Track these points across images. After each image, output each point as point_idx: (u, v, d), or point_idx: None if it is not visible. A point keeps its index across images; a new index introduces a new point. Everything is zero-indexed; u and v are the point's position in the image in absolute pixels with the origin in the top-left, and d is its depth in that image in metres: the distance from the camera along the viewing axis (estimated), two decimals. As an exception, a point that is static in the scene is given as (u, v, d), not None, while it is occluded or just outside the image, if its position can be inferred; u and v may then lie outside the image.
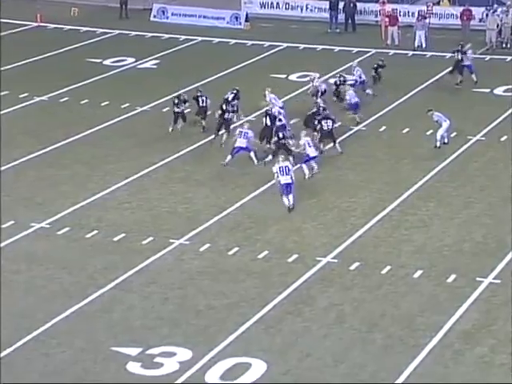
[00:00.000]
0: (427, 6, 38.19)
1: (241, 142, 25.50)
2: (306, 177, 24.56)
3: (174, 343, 17.69)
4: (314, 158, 24.74)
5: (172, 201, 23.89)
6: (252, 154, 25.61)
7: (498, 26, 36.09)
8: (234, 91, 28.25)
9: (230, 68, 33.50)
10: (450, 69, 31.88)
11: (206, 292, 19.55)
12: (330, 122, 26.14)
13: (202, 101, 27.97)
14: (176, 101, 27.83)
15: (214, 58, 35.40)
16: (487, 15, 37.13)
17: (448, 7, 38.99)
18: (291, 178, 22.88)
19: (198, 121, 28.15)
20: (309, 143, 24.73)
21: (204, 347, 17.54)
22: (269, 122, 26.37)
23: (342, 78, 29.98)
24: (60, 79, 32.89)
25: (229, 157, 25.54)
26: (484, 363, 17.02)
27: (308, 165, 24.74)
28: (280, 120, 26.33)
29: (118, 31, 39.50)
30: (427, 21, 36.57)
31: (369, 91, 30.09)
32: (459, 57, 31.50)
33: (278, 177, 22.94)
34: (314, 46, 36.95)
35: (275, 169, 23.08)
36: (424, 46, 35.65)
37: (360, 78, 30.31)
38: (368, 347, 17.53)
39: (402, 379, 16.66)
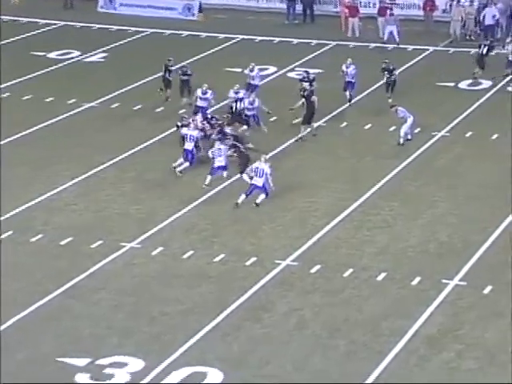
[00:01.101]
0: (390, -4, 38.49)
1: (188, 145, 25.19)
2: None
3: (125, 353, 17.64)
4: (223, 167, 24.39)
5: (122, 202, 23.83)
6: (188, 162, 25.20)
7: (462, 17, 36.52)
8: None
9: (183, 61, 33.42)
10: (478, 63, 31.63)
11: (159, 298, 19.53)
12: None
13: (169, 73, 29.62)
14: (180, 124, 26.25)
15: (166, 51, 35.25)
16: (451, 6, 37.58)
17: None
18: (263, 181, 23.04)
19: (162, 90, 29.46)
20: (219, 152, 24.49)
21: (157, 356, 17.52)
22: (239, 107, 27.17)
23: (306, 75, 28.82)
24: (1, 73, 32.59)
25: (180, 160, 25.32)
26: (450, 369, 17.22)
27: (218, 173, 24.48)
28: (248, 110, 27.02)
29: (62, 22, 39.27)
30: (395, 13, 36.59)
31: (348, 93, 29.36)
32: (483, 51, 31.57)
33: (250, 175, 23.15)
34: (271, 39, 37.08)
35: (253, 166, 23.31)
36: (397, 40, 35.67)
37: (352, 77, 29.15)
38: (330, 353, 17.65)
39: (365, 387, 16.83)
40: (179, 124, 26.21)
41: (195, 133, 25.41)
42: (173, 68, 29.94)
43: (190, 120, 26.13)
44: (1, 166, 25.36)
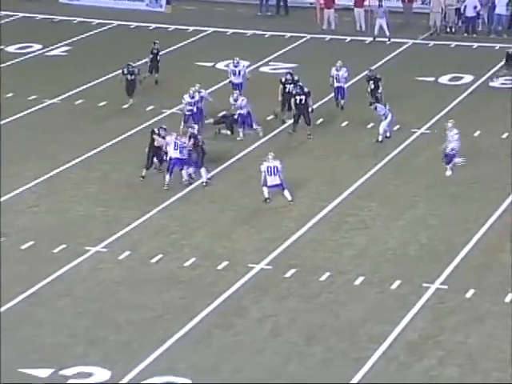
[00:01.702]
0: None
1: (175, 153, 24.44)
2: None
3: (90, 362, 17.62)
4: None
5: (87, 203, 23.79)
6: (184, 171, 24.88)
7: (442, 8, 36.75)
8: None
9: (150, 55, 33.42)
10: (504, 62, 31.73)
11: (127, 304, 19.52)
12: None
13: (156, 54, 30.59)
14: (156, 131, 25.04)
15: (132, 44, 35.32)
16: (431, -4, 37.81)
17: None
18: (279, 178, 23.32)
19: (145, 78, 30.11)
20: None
21: (124, 366, 17.52)
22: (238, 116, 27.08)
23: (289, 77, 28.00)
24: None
25: (167, 177, 24.88)
26: (431, 377, 17.34)
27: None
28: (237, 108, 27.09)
29: (22, 14, 39.14)
30: (384, 4, 36.53)
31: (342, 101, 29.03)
32: None
33: (264, 177, 23.34)
34: (244, 31, 37.17)
35: (263, 167, 23.44)
36: (387, 34, 35.65)
37: (344, 81, 28.75)
38: (306, 361, 17.73)
39: (343, 396, 16.92)
40: (157, 132, 24.81)
41: (183, 139, 24.43)
42: (157, 52, 30.54)
43: (184, 134, 25.03)
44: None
